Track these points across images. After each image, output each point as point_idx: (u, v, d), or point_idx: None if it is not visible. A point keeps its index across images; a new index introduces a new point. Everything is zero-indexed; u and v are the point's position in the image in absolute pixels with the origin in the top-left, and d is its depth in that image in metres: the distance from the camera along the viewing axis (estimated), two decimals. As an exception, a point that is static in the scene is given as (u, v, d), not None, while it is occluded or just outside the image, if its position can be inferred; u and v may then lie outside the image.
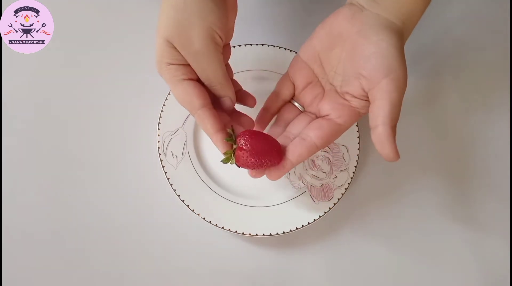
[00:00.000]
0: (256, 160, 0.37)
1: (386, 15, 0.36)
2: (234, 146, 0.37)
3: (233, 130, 0.38)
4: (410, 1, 0.36)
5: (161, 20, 0.36)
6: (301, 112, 0.42)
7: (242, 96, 0.42)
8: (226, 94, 0.39)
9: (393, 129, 0.35)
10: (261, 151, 0.37)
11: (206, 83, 0.38)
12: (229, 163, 0.38)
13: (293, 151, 0.38)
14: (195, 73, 0.37)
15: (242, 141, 0.37)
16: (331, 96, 0.39)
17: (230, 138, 0.37)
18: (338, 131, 0.38)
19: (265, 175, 0.39)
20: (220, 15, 0.36)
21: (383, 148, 0.35)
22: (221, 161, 0.38)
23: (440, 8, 0.55)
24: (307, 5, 0.54)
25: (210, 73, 0.37)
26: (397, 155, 0.35)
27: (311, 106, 0.41)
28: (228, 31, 0.38)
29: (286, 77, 0.42)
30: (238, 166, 0.38)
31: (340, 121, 0.38)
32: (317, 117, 0.40)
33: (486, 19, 0.55)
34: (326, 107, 0.39)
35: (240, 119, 0.41)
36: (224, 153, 0.38)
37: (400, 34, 0.36)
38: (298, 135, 0.39)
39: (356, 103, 0.38)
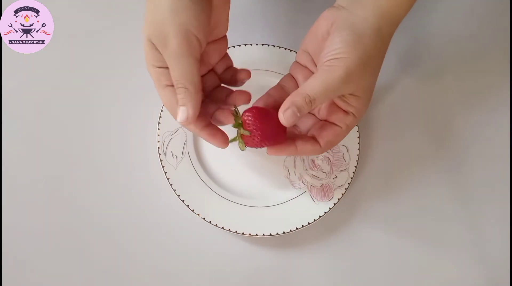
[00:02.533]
0: (265, 144, 0.38)
1: (362, 12, 0.36)
2: (242, 131, 0.37)
3: (237, 111, 0.38)
4: None
5: (145, 19, 0.35)
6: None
7: (234, 74, 0.41)
8: (185, 103, 0.35)
9: (307, 102, 0.35)
10: (270, 135, 0.37)
11: (174, 85, 0.35)
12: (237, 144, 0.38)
13: (303, 144, 0.39)
14: None
15: (250, 123, 0.36)
16: (333, 104, 0.40)
17: (237, 123, 0.37)
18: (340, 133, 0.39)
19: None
20: (196, 13, 0.34)
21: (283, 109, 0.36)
22: (229, 141, 0.38)
23: (439, 8, 0.55)
24: (307, 5, 0.54)
25: (177, 72, 0.34)
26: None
27: (327, 118, 0.41)
28: (212, 29, 0.37)
29: (289, 76, 0.42)
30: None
31: (340, 124, 0.39)
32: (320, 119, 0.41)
33: (486, 19, 0.55)
34: (333, 118, 0.39)
35: (235, 98, 0.40)
36: (231, 140, 0.38)
37: (374, 29, 0.35)
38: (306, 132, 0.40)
39: (340, 102, 0.38)
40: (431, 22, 0.55)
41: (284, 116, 0.35)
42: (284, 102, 0.36)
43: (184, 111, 0.35)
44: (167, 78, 0.36)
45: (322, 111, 0.40)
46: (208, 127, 0.37)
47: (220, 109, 0.39)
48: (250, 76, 0.41)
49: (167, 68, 0.35)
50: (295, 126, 0.42)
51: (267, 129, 0.37)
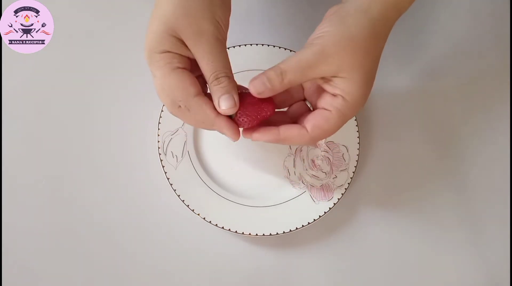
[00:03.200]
0: (248, 118, 0.37)
1: (361, 3, 0.36)
2: None
3: None
4: None
5: (162, 9, 0.35)
6: (311, 110, 0.41)
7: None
8: (230, 91, 0.36)
9: (277, 74, 0.35)
10: (249, 106, 0.37)
11: (210, 76, 0.35)
12: None
13: (287, 128, 0.37)
14: (189, 63, 0.36)
15: None
16: (321, 90, 0.38)
17: None
18: (329, 118, 0.37)
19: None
20: (227, 12, 0.36)
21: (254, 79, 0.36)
22: None
23: (439, 8, 0.55)
24: (308, 5, 0.54)
25: (219, 63, 0.35)
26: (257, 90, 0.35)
27: (317, 105, 0.40)
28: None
29: None
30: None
31: (328, 107, 0.37)
32: None
33: (486, 19, 0.55)
34: (321, 103, 0.38)
35: None
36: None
37: (361, 9, 0.35)
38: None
39: (327, 86, 0.37)
40: (431, 23, 0.54)
41: (253, 84, 0.35)
42: (257, 75, 0.36)
43: (231, 98, 0.36)
44: (180, 61, 0.35)
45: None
46: (220, 116, 0.36)
47: None
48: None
49: (179, 55, 0.35)
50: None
51: (246, 100, 0.36)
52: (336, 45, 0.34)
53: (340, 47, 0.34)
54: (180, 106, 0.36)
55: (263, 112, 0.37)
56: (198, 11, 0.34)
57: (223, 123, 0.36)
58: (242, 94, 0.37)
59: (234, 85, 0.36)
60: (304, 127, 0.37)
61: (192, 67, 0.37)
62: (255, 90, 0.35)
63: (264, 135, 0.37)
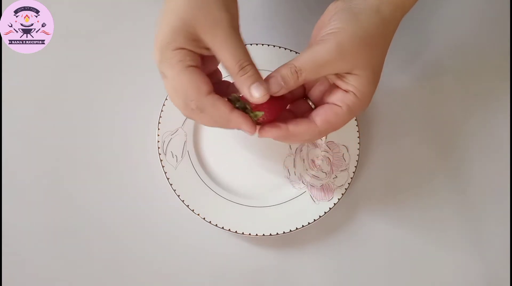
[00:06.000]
0: (267, 115, 0.36)
1: (371, 3, 0.36)
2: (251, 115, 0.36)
3: (236, 95, 0.37)
4: None
5: (175, 2, 0.34)
6: (312, 109, 0.41)
7: (228, 86, 0.40)
8: (259, 79, 0.35)
9: (292, 72, 0.35)
10: (277, 111, 0.37)
11: (235, 66, 0.35)
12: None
13: (295, 124, 0.37)
14: (200, 62, 0.36)
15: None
16: (333, 86, 0.38)
17: (238, 102, 0.36)
18: (340, 114, 0.37)
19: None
20: (237, 8, 0.36)
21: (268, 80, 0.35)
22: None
23: (439, 9, 0.55)
24: (308, 5, 0.54)
25: (240, 52, 0.34)
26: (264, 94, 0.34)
27: (320, 102, 0.40)
28: None
29: None
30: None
31: (339, 103, 0.37)
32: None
33: (486, 19, 0.55)
34: (332, 98, 0.38)
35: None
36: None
37: (372, 9, 0.35)
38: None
39: (339, 82, 0.37)
40: (431, 23, 0.54)
41: (268, 84, 0.35)
42: (270, 73, 0.36)
43: (262, 85, 0.35)
44: (192, 59, 0.35)
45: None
46: (235, 111, 0.36)
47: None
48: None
49: (192, 51, 0.35)
50: None
51: (273, 107, 0.36)
52: (351, 43, 0.34)
53: (355, 44, 0.34)
54: (192, 108, 0.35)
55: (279, 108, 0.37)
56: (212, 2, 0.34)
57: (240, 118, 0.35)
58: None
59: (259, 73, 0.35)
60: (313, 122, 0.37)
61: (202, 65, 0.36)
62: (269, 90, 0.35)
63: (272, 131, 0.37)
